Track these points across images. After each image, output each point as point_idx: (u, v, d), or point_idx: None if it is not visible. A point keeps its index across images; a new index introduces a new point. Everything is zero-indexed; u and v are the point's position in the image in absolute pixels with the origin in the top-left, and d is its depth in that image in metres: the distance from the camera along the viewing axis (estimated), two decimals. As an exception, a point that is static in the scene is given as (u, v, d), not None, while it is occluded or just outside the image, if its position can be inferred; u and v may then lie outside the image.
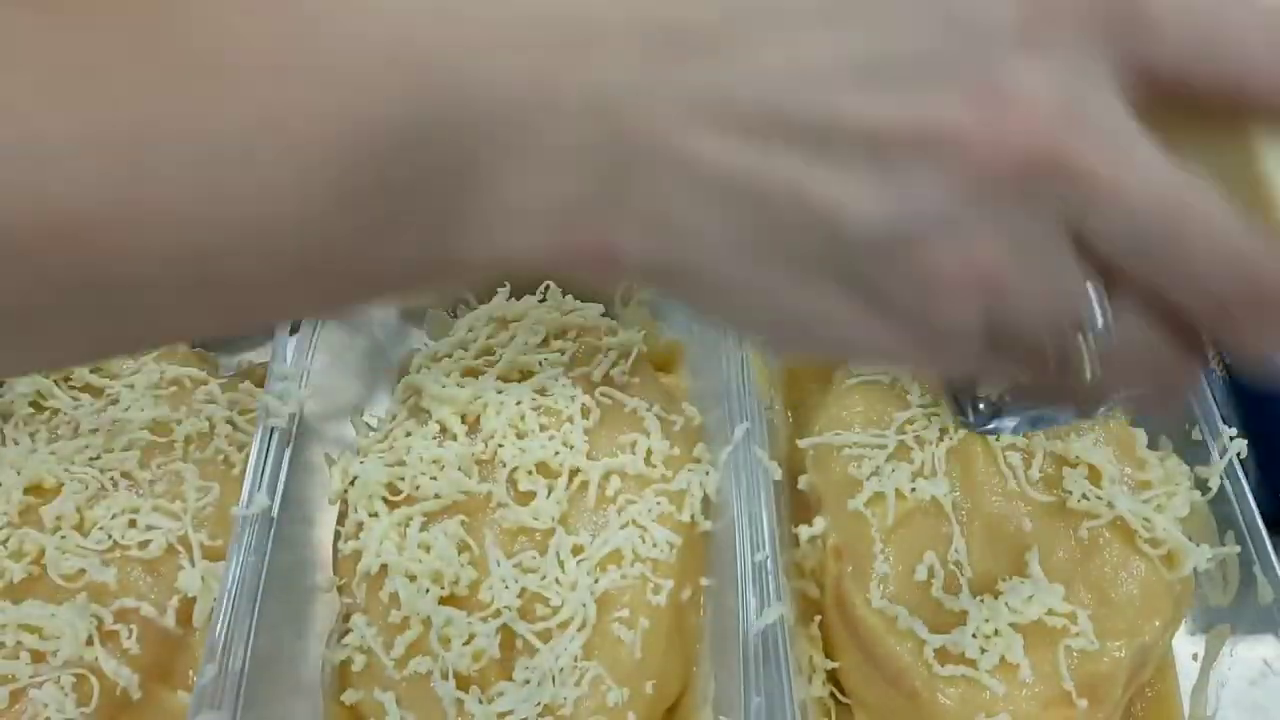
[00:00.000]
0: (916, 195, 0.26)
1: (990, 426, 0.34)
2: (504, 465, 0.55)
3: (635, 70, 0.25)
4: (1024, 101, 0.25)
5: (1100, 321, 0.27)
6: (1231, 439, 0.55)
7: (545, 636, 0.51)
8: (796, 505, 0.58)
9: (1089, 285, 0.27)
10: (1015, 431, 0.44)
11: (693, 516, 0.55)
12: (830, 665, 0.53)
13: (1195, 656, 0.54)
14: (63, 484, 0.56)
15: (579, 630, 0.50)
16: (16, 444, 0.58)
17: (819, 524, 0.55)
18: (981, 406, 0.33)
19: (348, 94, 0.24)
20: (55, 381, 0.61)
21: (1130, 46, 0.26)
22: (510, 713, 0.48)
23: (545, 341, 0.62)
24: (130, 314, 0.26)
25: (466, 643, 0.50)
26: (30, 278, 0.24)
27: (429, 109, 0.24)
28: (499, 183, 0.26)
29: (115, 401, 0.60)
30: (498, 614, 0.51)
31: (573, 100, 0.25)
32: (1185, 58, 0.26)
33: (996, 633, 0.48)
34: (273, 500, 0.55)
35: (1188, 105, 0.27)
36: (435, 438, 0.57)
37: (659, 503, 0.55)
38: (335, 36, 0.24)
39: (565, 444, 0.56)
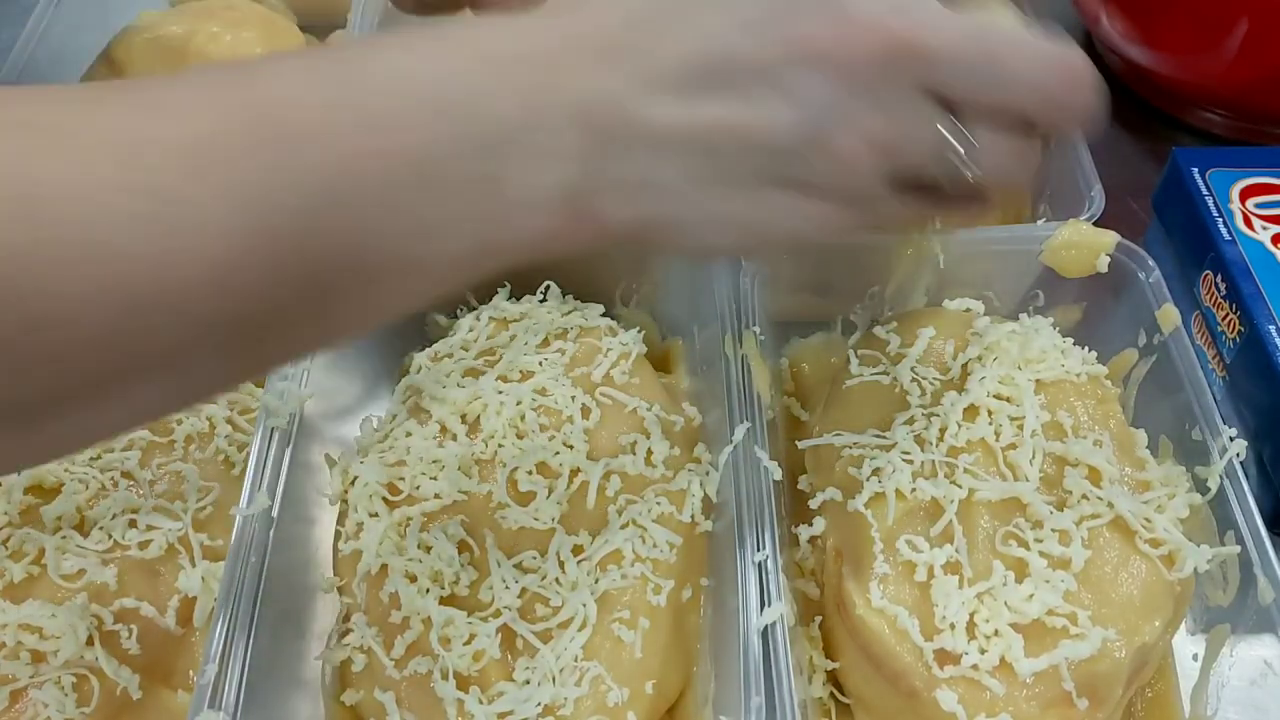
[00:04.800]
0: (810, 100, 0.35)
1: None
2: (504, 465, 0.55)
3: (590, 77, 0.34)
4: (864, 15, 0.35)
5: (965, 141, 0.38)
6: (1231, 439, 0.55)
7: (545, 637, 0.51)
8: (796, 505, 0.58)
9: (950, 120, 0.38)
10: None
11: (693, 516, 0.55)
12: (830, 665, 0.53)
13: (1195, 656, 0.54)
14: (63, 484, 0.56)
15: (579, 630, 0.50)
16: (16, 444, 0.58)
17: (819, 524, 0.55)
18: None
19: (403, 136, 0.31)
20: (55, 381, 0.61)
21: None
22: (510, 713, 0.48)
23: (545, 342, 0.62)
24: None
25: (467, 643, 0.50)
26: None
27: (459, 139, 0.31)
28: (509, 183, 0.33)
29: (115, 401, 0.60)
30: (498, 614, 0.51)
31: (555, 112, 0.33)
32: None
33: (996, 633, 0.48)
34: (273, 500, 0.54)
35: None
36: (435, 438, 0.57)
37: (659, 503, 0.55)
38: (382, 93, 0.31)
39: (565, 444, 0.56)
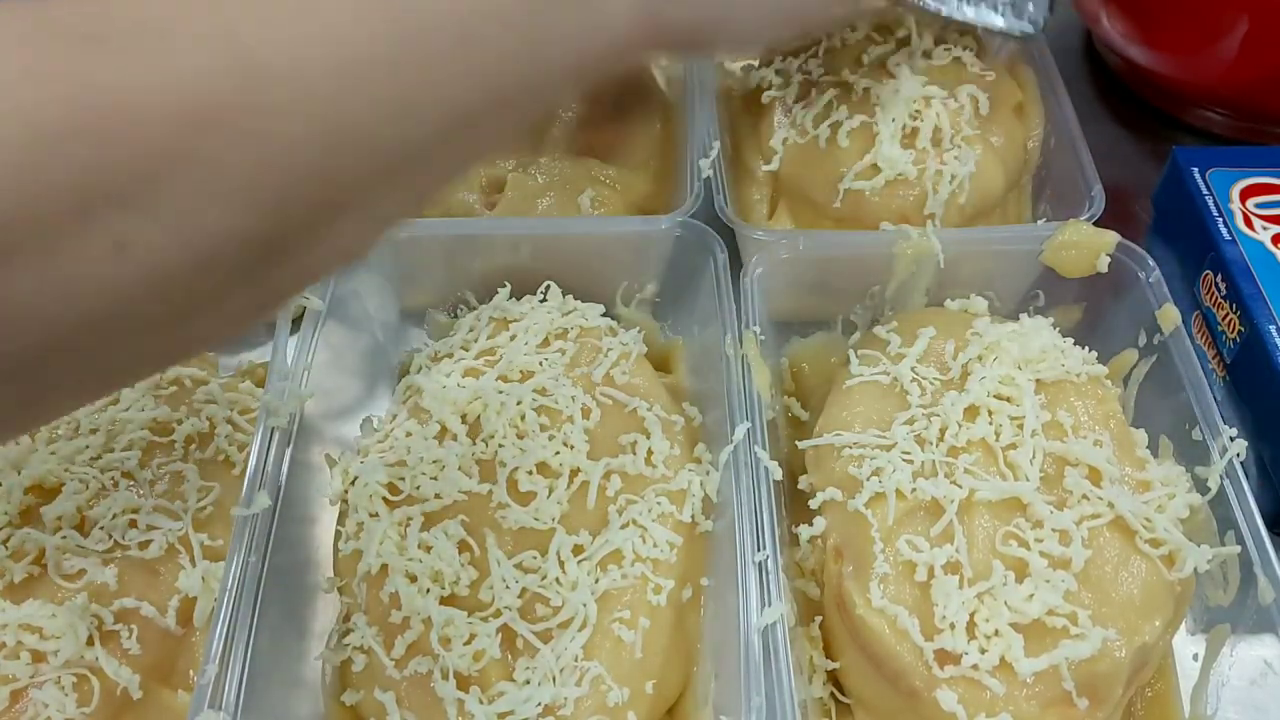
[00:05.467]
0: None
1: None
2: (504, 465, 0.55)
3: None
4: None
5: None
6: (1231, 439, 0.55)
7: (546, 636, 0.51)
8: (796, 505, 0.58)
9: None
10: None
11: (693, 516, 0.56)
12: (830, 665, 0.53)
13: (1195, 656, 0.54)
14: (63, 484, 0.56)
15: (579, 630, 0.50)
16: (17, 444, 0.58)
17: (819, 524, 0.55)
18: None
19: None
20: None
21: None
22: (510, 713, 0.48)
23: (545, 342, 0.62)
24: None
25: (467, 643, 0.50)
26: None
27: None
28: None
29: (115, 401, 0.60)
30: (498, 614, 0.51)
31: None
32: None
33: (996, 633, 0.48)
34: (273, 500, 0.54)
35: None
36: (435, 438, 0.57)
37: (659, 503, 0.55)
38: None
39: (566, 444, 0.56)
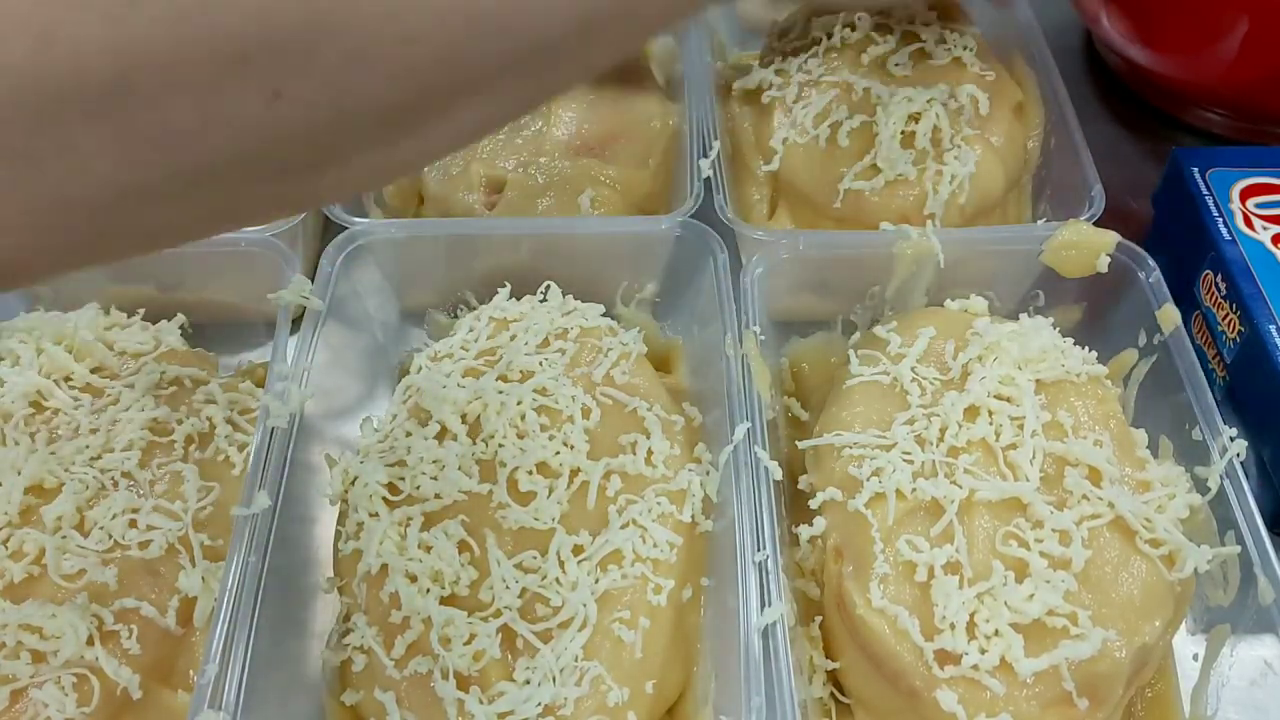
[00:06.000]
0: None
1: None
2: (504, 465, 0.55)
3: None
4: None
5: None
6: (1231, 439, 0.55)
7: (546, 636, 0.51)
8: (796, 505, 0.58)
9: None
10: None
11: (693, 516, 0.56)
12: (830, 665, 0.53)
13: (1195, 656, 0.54)
14: (63, 484, 0.56)
15: (579, 630, 0.50)
16: (17, 444, 0.58)
17: (819, 524, 0.55)
18: None
19: None
20: (56, 381, 0.61)
21: None
22: (510, 713, 0.48)
23: (545, 342, 0.62)
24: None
25: (467, 643, 0.50)
26: None
27: None
28: None
29: (115, 401, 0.60)
30: (498, 614, 0.51)
31: None
32: None
33: (996, 633, 0.48)
34: (273, 500, 0.54)
35: None
36: (435, 438, 0.57)
37: (659, 503, 0.55)
38: None
39: (566, 444, 0.56)
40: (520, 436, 0.57)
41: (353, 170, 0.33)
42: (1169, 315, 0.61)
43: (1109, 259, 0.64)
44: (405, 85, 0.31)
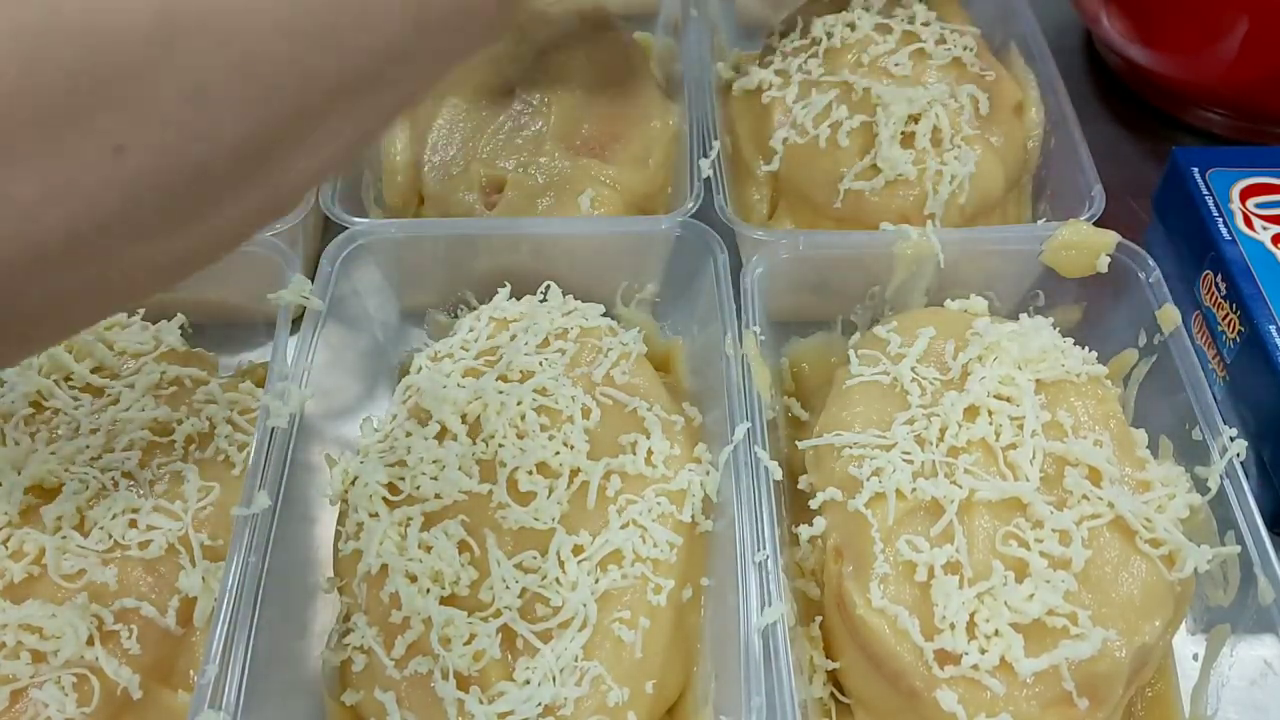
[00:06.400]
0: None
1: None
2: (504, 465, 0.55)
3: None
4: None
5: None
6: (1232, 439, 0.55)
7: (546, 636, 0.51)
8: (796, 505, 0.58)
9: None
10: None
11: (693, 516, 0.56)
12: (830, 665, 0.53)
13: (1195, 656, 0.54)
14: (63, 484, 0.56)
15: (580, 630, 0.50)
16: (17, 444, 0.58)
17: (819, 524, 0.55)
18: None
19: None
20: (56, 381, 0.61)
21: None
22: (510, 713, 0.48)
23: (545, 342, 0.62)
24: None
25: (467, 643, 0.50)
26: None
27: None
28: None
29: (116, 401, 0.60)
30: (498, 614, 0.51)
31: None
32: None
33: (996, 633, 0.48)
34: (273, 500, 0.54)
35: None
36: (435, 438, 0.57)
37: (659, 503, 0.55)
38: None
39: (566, 444, 0.56)
40: (520, 436, 0.57)
41: (221, 219, 0.31)
42: (1169, 315, 0.61)
43: (1109, 259, 0.64)
44: (252, 116, 0.29)
